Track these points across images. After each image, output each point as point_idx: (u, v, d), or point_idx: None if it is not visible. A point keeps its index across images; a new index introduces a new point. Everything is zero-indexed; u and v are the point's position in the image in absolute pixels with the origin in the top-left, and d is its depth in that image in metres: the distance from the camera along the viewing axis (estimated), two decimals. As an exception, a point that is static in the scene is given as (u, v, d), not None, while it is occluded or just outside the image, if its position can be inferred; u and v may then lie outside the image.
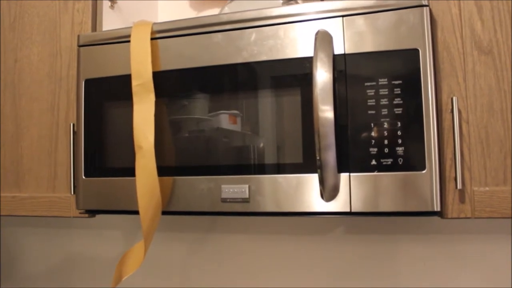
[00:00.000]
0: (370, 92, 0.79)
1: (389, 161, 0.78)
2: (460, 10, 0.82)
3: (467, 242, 1.09)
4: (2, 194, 1.11)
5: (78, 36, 1.01)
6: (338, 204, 0.80)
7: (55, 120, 1.08)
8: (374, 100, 0.79)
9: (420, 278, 1.12)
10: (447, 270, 1.10)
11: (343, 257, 1.18)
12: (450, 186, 0.80)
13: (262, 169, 0.85)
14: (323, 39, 0.80)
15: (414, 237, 1.13)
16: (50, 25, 1.10)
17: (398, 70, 0.79)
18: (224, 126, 0.88)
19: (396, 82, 0.79)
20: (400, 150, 0.77)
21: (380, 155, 0.78)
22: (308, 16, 0.85)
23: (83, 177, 0.97)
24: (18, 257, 1.52)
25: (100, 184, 0.96)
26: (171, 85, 0.92)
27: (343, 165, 0.79)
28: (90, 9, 1.06)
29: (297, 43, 0.85)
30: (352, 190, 0.79)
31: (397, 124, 0.78)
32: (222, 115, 0.89)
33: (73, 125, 1.01)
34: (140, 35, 0.93)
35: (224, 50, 0.89)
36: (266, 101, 0.86)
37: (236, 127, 0.88)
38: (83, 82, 0.99)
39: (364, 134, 0.79)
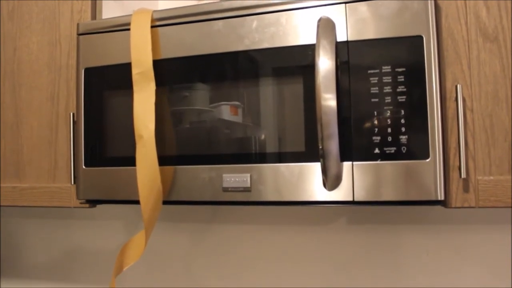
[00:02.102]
0: (374, 80, 0.78)
1: (393, 149, 0.77)
2: (465, -4, 0.81)
3: (471, 232, 1.08)
4: (2, 185, 1.11)
5: (78, 24, 1.00)
6: (340, 193, 0.79)
7: (55, 109, 1.07)
8: (377, 88, 0.78)
9: (423, 268, 1.11)
10: (450, 260, 1.10)
11: (345, 247, 1.17)
12: (454, 175, 0.79)
13: (264, 158, 0.84)
14: (326, 26, 0.79)
15: (417, 227, 1.12)
16: (49, 13, 1.09)
17: (401, 58, 0.78)
18: (225, 117, 0.87)
19: (400, 70, 0.77)
20: (403, 138, 0.77)
21: (383, 144, 0.77)
22: (311, 3, 0.83)
23: (84, 167, 0.97)
24: (19, 248, 1.52)
25: (100, 173, 0.95)
26: (171, 73, 0.91)
27: (346, 154, 0.79)
28: (90, -3, 1.05)
29: (299, 30, 0.84)
30: (355, 179, 0.78)
31: (401, 112, 0.77)
32: (223, 106, 0.88)
33: (73, 114, 1.01)
34: (140, 23, 0.92)
35: (225, 37, 0.88)
36: (267, 90, 0.85)
37: (238, 118, 0.87)
38: (83, 71, 0.98)
39: (367, 123, 0.78)
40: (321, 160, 0.76)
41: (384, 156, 0.77)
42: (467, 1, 0.81)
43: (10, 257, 1.53)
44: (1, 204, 1.11)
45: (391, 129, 0.77)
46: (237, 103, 0.87)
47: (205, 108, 0.89)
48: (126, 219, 1.39)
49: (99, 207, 1.39)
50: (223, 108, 0.88)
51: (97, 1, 1.07)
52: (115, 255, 1.38)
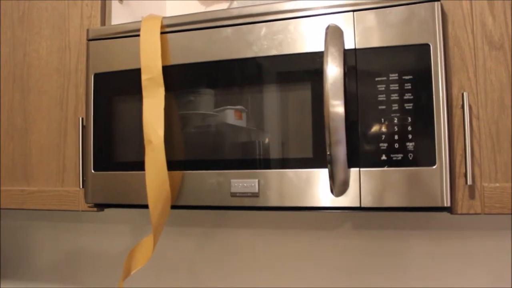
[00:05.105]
0: (381, 87, 0.79)
1: (399, 156, 0.78)
2: (471, 5, 0.82)
3: (476, 237, 1.09)
4: (11, 188, 1.12)
5: (88, 30, 1.01)
6: (347, 199, 0.80)
7: (63, 114, 1.08)
8: (384, 95, 0.79)
9: (428, 274, 1.12)
10: (455, 266, 1.10)
11: (351, 252, 1.18)
12: (460, 182, 0.80)
13: (271, 163, 0.85)
14: (334, 33, 0.80)
15: (422, 232, 1.12)
16: (59, 19, 1.10)
17: (408, 65, 0.79)
18: (232, 121, 0.88)
19: (407, 77, 0.78)
20: (410, 145, 0.77)
21: (390, 150, 0.78)
22: (319, 10, 0.84)
23: (92, 171, 0.98)
24: (26, 251, 1.53)
25: (109, 178, 0.96)
26: (181, 79, 0.92)
27: (353, 160, 0.79)
28: (99, 3, 1.06)
29: (307, 37, 0.84)
30: (362, 185, 0.79)
31: (408, 120, 0.78)
32: (228, 111, 0.89)
33: (82, 119, 1.01)
34: (150, 29, 0.93)
35: (234, 44, 0.89)
36: (276, 96, 0.86)
37: (246, 123, 0.88)
38: (92, 76, 0.99)
39: (374, 129, 0.79)
40: (329, 166, 0.77)
41: (391, 163, 0.78)
42: (473, 10, 0.82)
43: (16, 259, 1.54)
44: (10, 207, 1.12)
45: (398, 136, 0.78)
46: (241, 107, 0.88)
47: (215, 113, 0.90)
48: (134, 223, 1.39)
49: (107, 210, 1.40)
50: (228, 112, 0.89)
51: (107, 7, 1.08)
52: (122, 258, 1.38)
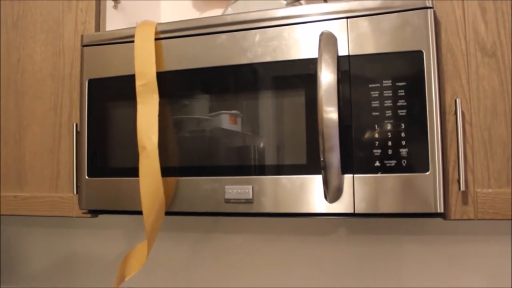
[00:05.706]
0: (374, 94, 0.79)
1: (393, 162, 0.78)
2: (464, 12, 0.82)
3: (470, 243, 1.09)
4: (4, 194, 1.11)
5: (82, 36, 1.01)
6: (341, 205, 0.80)
7: (58, 119, 1.08)
8: (378, 102, 0.79)
9: (423, 279, 1.12)
10: (450, 271, 1.10)
11: (345, 257, 1.18)
12: (453, 187, 0.80)
13: (266, 170, 0.85)
14: (328, 40, 0.80)
15: (417, 238, 1.13)
16: (53, 24, 1.10)
17: (402, 72, 0.79)
18: (227, 126, 0.88)
19: (400, 84, 0.79)
20: (403, 151, 0.78)
21: (383, 157, 0.78)
22: (313, 17, 0.85)
23: (86, 177, 0.97)
24: (20, 256, 1.52)
25: (103, 184, 0.96)
26: (175, 85, 0.92)
27: (347, 167, 0.79)
28: (94, 9, 1.06)
29: (301, 44, 0.85)
30: (356, 192, 0.79)
31: (401, 126, 0.78)
32: (223, 115, 0.89)
33: (76, 125, 1.01)
34: (144, 35, 0.93)
35: (228, 50, 0.89)
36: (270, 102, 0.86)
37: (240, 128, 0.88)
38: (87, 82, 0.99)
39: (368, 136, 0.79)
40: (323, 172, 0.77)
41: (385, 169, 0.78)
42: (466, 17, 0.82)
43: (10, 265, 1.53)
44: (3, 213, 1.11)
45: (392, 143, 0.78)
46: (237, 112, 0.88)
47: (210, 117, 0.90)
48: (127, 229, 1.39)
49: (101, 216, 1.40)
50: (223, 117, 0.89)
51: (101, 12, 1.08)
52: (116, 264, 1.38)
